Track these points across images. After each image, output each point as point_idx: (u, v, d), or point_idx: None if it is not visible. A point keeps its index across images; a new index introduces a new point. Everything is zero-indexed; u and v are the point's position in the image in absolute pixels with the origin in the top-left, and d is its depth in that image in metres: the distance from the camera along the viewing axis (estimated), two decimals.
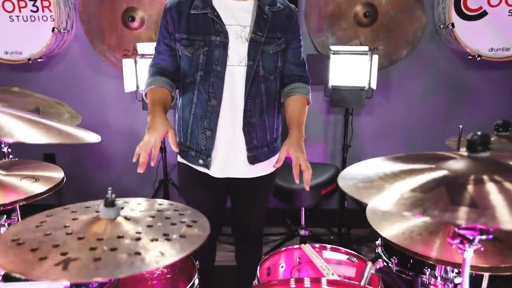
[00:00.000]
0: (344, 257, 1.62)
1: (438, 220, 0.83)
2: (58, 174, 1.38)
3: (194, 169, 1.79)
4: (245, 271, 2.04)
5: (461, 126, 1.23)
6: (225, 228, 2.98)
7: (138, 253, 0.83)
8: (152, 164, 1.47)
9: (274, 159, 1.84)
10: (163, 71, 1.74)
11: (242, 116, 1.69)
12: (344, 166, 3.10)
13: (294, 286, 1.16)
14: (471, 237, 0.92)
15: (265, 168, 1.82)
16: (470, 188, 0.71)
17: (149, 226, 0.96)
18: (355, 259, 1.59)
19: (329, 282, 1.15)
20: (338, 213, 3.27)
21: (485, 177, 0.75)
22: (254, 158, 1.76)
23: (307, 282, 1.16)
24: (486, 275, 1.48)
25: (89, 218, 0.98)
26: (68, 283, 0.97)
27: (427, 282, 1.49)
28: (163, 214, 1.04)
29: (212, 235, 2.07)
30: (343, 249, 1.63)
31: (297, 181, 1.52)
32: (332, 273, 1.44)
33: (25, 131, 1.05)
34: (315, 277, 1.21)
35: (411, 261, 2.03)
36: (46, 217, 1.01)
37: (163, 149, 3.05)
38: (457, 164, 0.82)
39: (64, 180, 1.38)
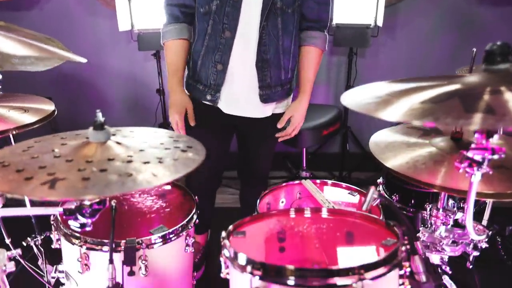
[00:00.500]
0: (345, 192, 1.60)
1: (452, 126, 0.77)
2: (48, 107, 1.33)
3: (202, 103, 1.73)
4: (247, 210, 2.04)
5: (474, 49, 1.14)
6: (227, 172, 2.97)
7: (129, 174, 0.79)
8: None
9: (287, 101, 1.80)
10: (181, 12, 1.66)
11: (256, 51, 1.60)
12: (346, 108, 3.03)
13: (294, 215, 1.13)
14: (480, 159, 0.87)
15: (275, 107, 1.76)
16: (486, 97, 0.65)
17: (141, 151, 0.91)
18: (357, 194, 1.57)
19: (329, 211, 1.12)
20: (340, 156, 3.25)
21: (503, 88, 0.69)
22: (267, 97, 1.70)
23: (307, 212, 1.14)
24: (490, 201, 1.46)
25: (78, 142, 0.93)
26: (61, 209, 0.94)
27: (428, 216, 1.48)
28: (157, 141, 0.99)
29: (214, 180, 2.04)
30: (344, 184, 1.60)
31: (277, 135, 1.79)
32: (333, 207, 1.42)
33: (2, 42, 0.98)
34: (315, 207, 1.19)
35: (412, 200, 2.03)
36: (34, 143, 0.96)
37: (161, 91, 2.97)
38: (472, 78, 0.75)
39: (56, 112, 1.32)
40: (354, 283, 0.79)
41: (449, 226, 1.44)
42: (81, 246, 1.23)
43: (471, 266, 1.47)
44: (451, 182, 1.11)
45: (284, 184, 1.59)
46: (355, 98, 0.80)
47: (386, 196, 1.96)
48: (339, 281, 0.80)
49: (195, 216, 1.43)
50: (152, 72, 2.98)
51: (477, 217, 1.76)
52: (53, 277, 1.46)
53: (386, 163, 1.23)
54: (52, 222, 1.34)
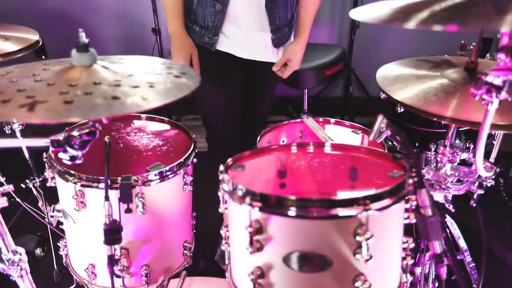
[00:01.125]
0: (348, 131, 1.54)
1: (481, 29, 0.69)
2: (32, 36, 1.23)
3: (204, 47, 1.60)
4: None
5: None
6: None
7: (117, 97, 0.72)
8: None
9: (289, 41, 1.70)
10: None
11: None
12: (351, 47, 2.90)
13: (295, 150, 1.08)
14: (501, 84, 0.80)
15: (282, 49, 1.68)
16: None
17: (130, 76, 0.84)
18: (360, 132, 1.51)
19: (333, 146, 1.07)
20: (342, 100, 3.17)
21: None
22: (278, 41, 1.61)
23: (309, 147, 1.08)
24: (500, 135, 1.41)
25: (61, 67, 0.85)
26: (48, 140, 0.88)
27: (433, 155, 1.44)
28: (148, 67, 0.92)
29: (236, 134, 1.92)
30: (348, 123, 1.53)
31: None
32: None
33: None
34: (318, 142, 1.13)
35: (416, 140, 1.98)
36: (14, 68, 0.89)
37: (157, 30, 2.82)
38: None
39: (41, 42, 1.23)
40: (359, 214, 0.75)
41: (455, 164, 1.40)
42: (75, 183, 1.19)
43: (474, 205, 1.45)
44: (463, 113, 1.05)
45: (285, 122, 1.53)
46: (366, 12, 0.71)
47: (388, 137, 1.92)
48: (342, 211, 0.75)
49: (193, 154, 1.38)
50: (147, 9, 2.82)
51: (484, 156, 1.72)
52: (52, 217, 1.45)
53: (395, 96, 1.16)
54: (45, 160, 1.29)
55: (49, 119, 0.65)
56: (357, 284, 0.78)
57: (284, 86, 2.46)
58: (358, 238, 0.76)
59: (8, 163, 1.74)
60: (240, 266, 0.88)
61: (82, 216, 1.26)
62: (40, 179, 1.94)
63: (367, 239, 0.74)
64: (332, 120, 1.55)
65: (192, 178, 1.37)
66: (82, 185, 1.20)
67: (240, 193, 0.81)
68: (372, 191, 0.76)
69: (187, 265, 1.47)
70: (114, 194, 1.18)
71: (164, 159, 1.35)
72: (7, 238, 1.13)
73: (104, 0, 2.97)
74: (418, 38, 2.96)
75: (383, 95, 1.96)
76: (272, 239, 0.79)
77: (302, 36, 1.67)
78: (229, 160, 0.97)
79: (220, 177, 0.92)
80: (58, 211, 1.41)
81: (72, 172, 1.21)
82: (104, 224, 1.14)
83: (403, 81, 1.20)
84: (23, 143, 0.93)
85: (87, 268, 1.33)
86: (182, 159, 1.31)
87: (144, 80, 0.81)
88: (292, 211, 0.76)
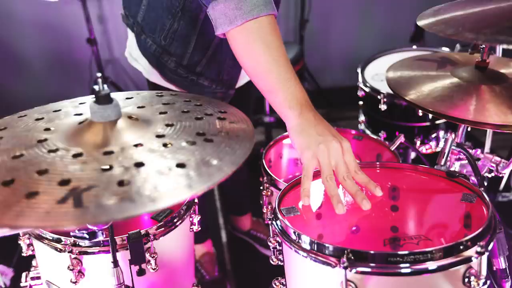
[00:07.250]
0: (350, 137, 1.45)
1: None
2: None
3: None
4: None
5: None
6: None
7: (181, 165, 0.54)
8: None
9: None
10: None
11: None
12: (302, 44, 2.83)
13: (379, 170, 0.97)
14: None
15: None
16: None
17: (169, 126, 0.65)
18: (361, 137, 1.44)
19: (381, 166, 0.98)
20: None
21: None
22: None
23: (377, 166, 0.98)
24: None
25: (73, 125, 0.63)
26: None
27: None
28: (173, 107, 0.73)
29: None
30: (353, 131, 1.44)
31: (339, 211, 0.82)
32: None
33: None
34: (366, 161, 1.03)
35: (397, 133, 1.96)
36: None
37: (92, 41, 2.49)
38: None
39: None
40: (474, 259, 0.65)
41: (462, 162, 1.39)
42: (71, 251, 0.95)
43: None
44: (483, 114, 1.00)
45: (280, 136, 1.39)
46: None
47: (370, 135, 1.88)
48: (452, 259, 0.65)
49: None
50: (76, 17, 2.47)
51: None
52: (24, 287, 1.17)
53: (412, 99, 1.08)
54: None
55: (104, 218, 0.45)
56: None
57: None
58: (470, 283, 0.66)
59: None
60: None
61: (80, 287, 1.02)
62: None
63: (483, 283, 0.65)
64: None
65: (199, 217, 1.19)
66: (79, 252, 0.96)
67: (326, 251, 0.67)
68: (478, 231, 0.67)
69: None
70: (120, 256, 0.97)
71: None
72: None
73: (22, 10, 2.54)
74: (359, 31, 3.01)
75: (361, 93, 1.90)
76: None
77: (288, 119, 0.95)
78: (276, 203, 0.82)
79: (275, 225, 0.78)
80: (34, 278, 1.15)
81: (64, 239, 0.96)
82: None
83: (416, 84, 1.13)
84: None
85: None
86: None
87: (192, 132, 0.63)
88: (398, 269, 0.64)
